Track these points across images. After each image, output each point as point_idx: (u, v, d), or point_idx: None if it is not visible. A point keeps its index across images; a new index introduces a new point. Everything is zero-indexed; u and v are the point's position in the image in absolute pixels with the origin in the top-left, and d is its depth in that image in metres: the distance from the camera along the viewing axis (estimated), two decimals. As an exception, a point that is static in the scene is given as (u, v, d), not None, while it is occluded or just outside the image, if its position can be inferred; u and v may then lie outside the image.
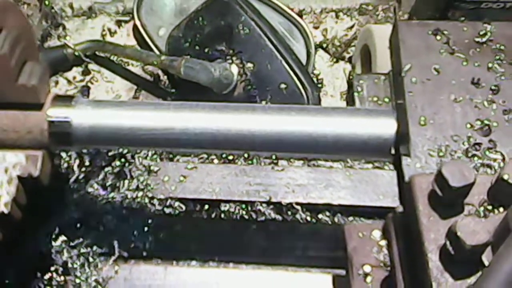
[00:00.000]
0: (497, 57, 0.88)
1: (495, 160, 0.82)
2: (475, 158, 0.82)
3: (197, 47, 1.44)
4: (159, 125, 0.88)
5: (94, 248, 0.95)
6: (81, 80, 1.54)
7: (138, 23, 1.56)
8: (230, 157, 0.97)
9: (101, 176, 0.96)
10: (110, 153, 0.95)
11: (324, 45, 1.57)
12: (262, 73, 1.37)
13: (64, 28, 1.60)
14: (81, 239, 0.95)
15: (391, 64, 0.95)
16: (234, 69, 1.38)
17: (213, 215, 0.95)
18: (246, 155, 0.96)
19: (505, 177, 0.69)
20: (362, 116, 0.89)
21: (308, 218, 0.94)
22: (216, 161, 0.98)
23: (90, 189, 0.96)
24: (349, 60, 1.56)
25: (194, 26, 1.46)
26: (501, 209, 0.71)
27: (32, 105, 0.85)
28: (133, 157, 0.96)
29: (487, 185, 0.72)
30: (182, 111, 0.89)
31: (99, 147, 0.93)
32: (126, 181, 0.96)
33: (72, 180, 0.95)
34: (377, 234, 0.82)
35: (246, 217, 0.95)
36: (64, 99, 0.89)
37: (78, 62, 1.53)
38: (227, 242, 1.00)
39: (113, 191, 0.96)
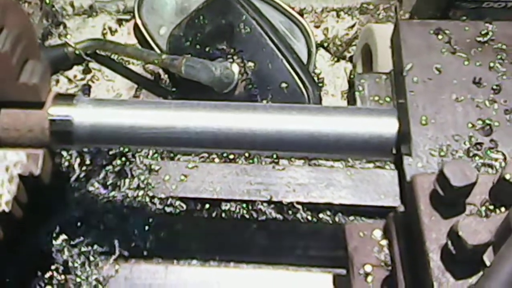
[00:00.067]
0: (499, 57, 0.88)
1: (496, 160, 0.82)
2: (477, 158, 0.82)
3: (198, 46, 1.44)
4: (160, 124, 0.88)
5: (95, 247, 0.95)
6: (82, 79, 1.54)
7: (139, 21, 1.56)
8: (231, 156, 0.97)
9: (102, 175, 0.96)
10: (111, 152, 0.95)
11: (325, 44, 1.57)
12: (263, 72, 1.37)
13: (65, 26, 1.60)
14: (81, 238, 0.95)
15: (393, 63, 0.95)
16: (235, 68, 1.38)
17: (214, 214, 0.95)
18: (247, 154, 0.96)
19: (507, 176, 0.69)
20: (363, 116, 0.89)
21: (309, 218, 0.94)
22: (217, 160, 0.98)
23: (91, 188, 0.96)
24: (350, 59, 1.56)
25: (195, 25, 1.46)
26: (503, 209, 0.71)
27: (33, 103, 0.85)
28: (134, 156, 0.96)
29: (488, 185, 0.72)
30: (183, 110, 0.89)
31: (100, 146, 0.93)
32: (127, 180, 0.96)
33: (73, 178, 0.95)
34: (378, 233, 0.82)
35: (247, 216, 0.95)
36: (65, 98, 0.89)
37: (78, 60, 1.53)
38: (228, 242, 1.00)
39: (114, 190, 0.96)
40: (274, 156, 0.95)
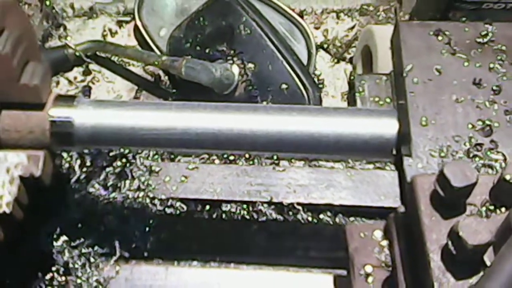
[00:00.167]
0: (499, 58, 0.88)
1: (496, 160, 0.82)
2: (477, 159, 0.82)
3: (198, 48, 1.44)
4: (160, 125, 0.88)
5: (95, 248, 0.95)
6: (82, 80, 1.54)
7: (139, 23, 1.56)
8: (231, 158, 0.97)
9: (102, 176, 0.96)
10: (111, 153, 0.95)
11: (325, 46, 1.57)
12: (263, 73, 1.37)
13: (65, 28, 1.60)
14: (82, 239, 0.95)
15: (392, 64, 0.95)
16: (235, 70, 1.38)
17: (214, 216, 0.95)
18: (247, 156, 0.96)
19: (507, 177, 0.69)
20: (363, 117, 0.89)
21: (309, 219, 0.94)
22: (217, 161, 0.98)
23: (91, 189, 0.96)
24: (350, 60, 1.56)
25: (195, 27, 1.46)
26: (503, 209, 0.71)
27: (34, 105, 0.85)
28: (134, 157, 0.96)
29: (489, 185, 0.72)
30: (184, 111, 0.89)
31: (101, 147, 0.93)
32: (128, 181, 0.96)
33: (73, 180, 0.95)
34: (378, 234, 0.82)
35: (247, 217, 0.95)
36: (66, 99, 0.88)
37: (79, 62, 1.53)
38: (228, 243, 1.00)
39: (114, 191, 0.96)
40: (275, 157, 0.95)
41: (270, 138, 0.88)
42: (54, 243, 0.94)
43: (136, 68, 1.55)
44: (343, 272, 0.93)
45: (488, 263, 0.66)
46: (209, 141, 0.88)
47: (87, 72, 1.54)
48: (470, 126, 0.84)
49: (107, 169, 0.96)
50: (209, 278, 0.98)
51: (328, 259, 0.98)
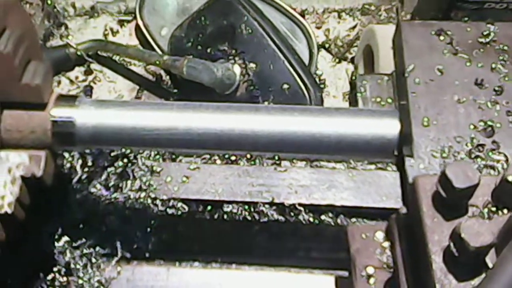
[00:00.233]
0: (501, 58, 0.88)
1: (498, 161, 0.81)
2: (479, 159, 0.82)
3: (199, 47, 1.44)
4: (162, 125, 0.87)
5: (97, 248, 0.95)
6: (84, 80, 1.54)
7: (140, 22, 1.56)
8: (233, 158, 0.97)
9: (104, 177, 0.96)
10: (112, 154, 0.95)
11: (327, 45, 1.57)
12: (265, 73, 1.37)
13: (66, 27, 1.60)
14: (84, 240, 0.95)
15: (394, 64, 0.95)
16: (237, 69, 1.38)
17: (215, 216, 0.95)
18: (248, 156, 0.96)
19: (509, 178, 0.69)
20: (365, 117, 0.89)
21: (311, 219, 0.94)
22: (218, 161, 0.98)
23: (93, 190, 0.96)
24: (352, 60, 1.56)
25: (197, 26, 1.46)
26: (505, 211, 0.71)
27: (35, 104, 0.85)
28: (135, 157, 0.96)
29: (491, 187, 0.72)
30: (186, 111, 0.89)
31: (103, 147, 0.93)
32: (129, 182, 0.96)
33: (75, 180, 0.95)
34: (380, 235, 0.82)
35: (249, 218, 0.95)
36: (67, 99, 0.88)
37: (80, 61, 1.53)
38: (229, 243, 1.00)
39: (115, 191, 0.96)
40: (276, 157, 0.95)
41: (271, 138, 0.88)
42: (56, 244, 0.94)
43: (138, 67, 1.55)
44: (345, 273, 0.93)
45: (490, 265, 0.65)
46: (211, 141, 0.88)
47: (88, 72, 1.54)
48: (472, 126, 0.83)
49: (109, 169, 0.96)
50: (211, 278, 0.98)
51: (330, 260, 0.98)
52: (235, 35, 1.40)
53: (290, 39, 1.47)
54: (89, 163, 0.95)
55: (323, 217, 0.93)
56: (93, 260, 0.95)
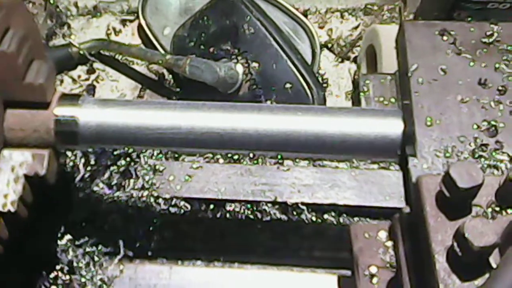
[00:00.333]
0: (504, 58, 0.88)
1: (501, 161, 0.81)
2: (482, 159, 0.82)
3: (202, 47, 1.44)
4: (165, 124, 0.88)
5: (100, 247, 0.95)
6: (86, 79, 1.54)
7: (143, 22, 1.56)
8: (236, 157, 0.97)
9: (106, 175, 0.96)
10: (115, 152, 0.95)
11: (329, 45, 1.57)
12: (267, 72, 1.37)
13: (69, 27, 1.60)
14: (86, 238, 0.95)
15: (397, 64, 0.95)
16: (239, 69, 1.38)
17: (218, 215, 0.95)
18: (251, 155, 0.96)
19: (513, 178, 0.69)
20: (368, 116, 0.89)
21: (314, 219, 0.94)
22: (221, 160, 0.98)
23: (95, 188, 0.96)
24: (354, 60, 1.56)
25: (199, 26, 1.46)
26: (509, 211, 0.71)
27: (38, 103, 0.85)
28: (138, 156, 0.96)
29: (495, 186, 0.72)
30: (189, 111, 0.89)
31: (105, 146, 0.93)
32: (132, 180, 0.96)
33: (78, 179, 0.95)
34: (383, 235, 0.82)
35: (252, 217, 0.95)
36: (70, 98, 0.89)
37: (83, 61, 1.53)
38: (232, 242, 1.00)
39: (118, 190, 0.96)
40: (279, 156, 0.95)
41: (274, 137, 0.88)
42: (58, 242, 0.94)
43: (140, 67, 1.55)
44: (348, 273, 0.93)
45: (494, 265, 0.65)
46: (214, 140, 0.88)
47: (91, 71, 1.54)
48: (475, 126, 0.83)
49: (111, 168, 0.96)
50: (213, 277, 0.98)
51: (333, 260, 0.98)
52: (237, 35, 1.40)
53: (293, 39, 1.47)
54: (92, 162, 0.95)
55: (325, 216, 0.93)
56: (96, 258, 0.95)
